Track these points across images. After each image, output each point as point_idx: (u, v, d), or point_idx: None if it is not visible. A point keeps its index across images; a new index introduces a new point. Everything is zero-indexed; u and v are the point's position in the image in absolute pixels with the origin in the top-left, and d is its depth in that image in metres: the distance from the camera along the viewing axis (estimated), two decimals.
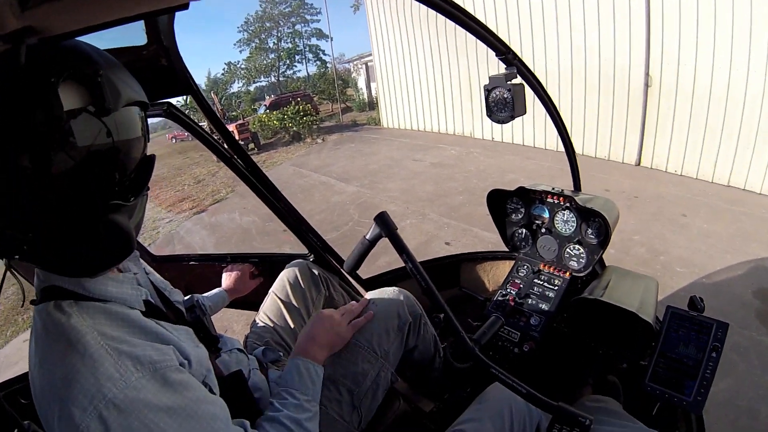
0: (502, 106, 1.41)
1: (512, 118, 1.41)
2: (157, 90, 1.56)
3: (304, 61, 39.34)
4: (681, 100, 6.81)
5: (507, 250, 2.23)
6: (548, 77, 8.74)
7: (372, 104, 21.64)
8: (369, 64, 21.00)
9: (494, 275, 2.40)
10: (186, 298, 1.58)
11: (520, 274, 2.05)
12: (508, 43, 1.42)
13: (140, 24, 1.31)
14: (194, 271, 2.45)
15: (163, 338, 0.91)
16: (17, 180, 0.70)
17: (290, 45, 38.45)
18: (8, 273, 0.87)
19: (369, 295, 1.64)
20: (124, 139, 0.80)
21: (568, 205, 1.91)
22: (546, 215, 2.01)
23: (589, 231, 1.87)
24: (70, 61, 0.74)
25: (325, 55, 38.65)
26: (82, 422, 0.73)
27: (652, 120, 7.41)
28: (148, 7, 0.76)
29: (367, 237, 1.43)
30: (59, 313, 0.82)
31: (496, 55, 1.44)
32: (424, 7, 1.19)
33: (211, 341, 1.36)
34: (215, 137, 1.97)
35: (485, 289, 2.41)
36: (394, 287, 1.65)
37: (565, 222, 1.94)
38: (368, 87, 22.93)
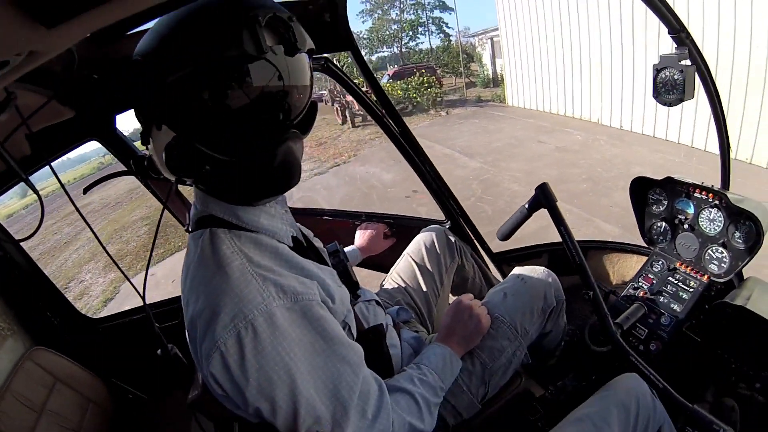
0: (671, 88, 1.36)
1: (681, 101, 1.36)
2: (316, 45, 1.79)
3: (427, 33, 38.79)
4: None
5: (635, 244, 2.17)
6: None
7: (496, 80, 21.39)
8: (495, 39, 20.67)
9: (620, 269, 2.31)
10: (330, 244, 1.55)
11: (654, 269, 1.93)
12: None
13: None
14: (326, 225, 2.42)
15: (308, 273, 0.94)
16: (217, 110, 0.78)
17: (413, 16, 38.06)
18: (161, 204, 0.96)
19: (517, 270, 1.62)
20: (300, 79, 0.86)
21: (717, 202, 1.74)
22: (691, 211, 1.84)
23: (737, 234, 1.69)
24: (265, 4, 0.79)
25: (448, 27, 37.73)
26: (220, 338, 0.78)
27: None
28: None
29: (526, 206, 1.45)
30: (213, 239, 0.87)
31: (669, 33, 1.38)
32: None
33: (352, 286, 1.37)
34: (367, 95, 1.98)
35: (608, 281, 2.33)
36: (543, 268, 1.62)
37: (711, 221, 1.78)
38: (493, 63, 22.50)
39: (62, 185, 1.01)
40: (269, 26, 0.78)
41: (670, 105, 1.39)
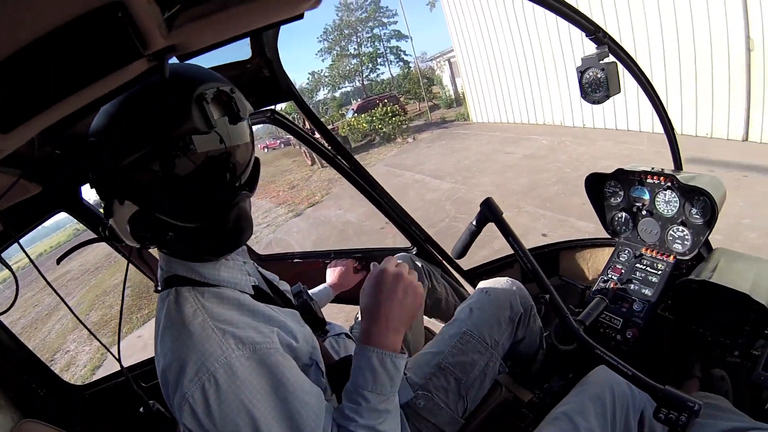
0: (597, 87, 1.41)
1: (607, 97, 1.40)
2: (260, 98, 1.71)
3: (386, 63, 39.62)
4: None
5: (605, 237, 2.18)
6: (638, 54, 7.96)
7: (459, 100, 21.84)
8: (452, 60, 21.31)
9: (594, 263, 2.34)
10: (293, 286, 1.48)
11: (621, 259, 1.98)
12: (596, 22, 1.42)
13: (245, 40, 1.44)
14: (298, 268, 2.52)
15: (269, 319, 0.99)
16: (169, 183, 0.84)
17: (371, 49, 38.98)
18: (132, 266, 1.02)
19: (482, 284, 1.65)
20: (243, 142, 0.93)
21: (669, 184, 1.81)
22: (646, 197, 1.90)
23: (694, 211, 1.75)
24: (208, 79, 0.86)
25: (406, 55, 38.83)
26: (188, 390, 0.82)
27: (758, 88, 6.75)
28: (268, 20, 0.84)
29: (474, 223, 1.45)
30: (178, 298, 0.93)
31: (586, 35, 1.43)
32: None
33: (318, 324, 1.39)
34: (317, 138, 2.09)
35: (584, 278, 2.37)
36: (506, 278, 1.65)
37: (667, 203, 1.84)
38: (453, 83, 23.05)
39: (32, 261, 1.10)
40: (215, 100, 0.85)
41: (598, 103, 1.44)
